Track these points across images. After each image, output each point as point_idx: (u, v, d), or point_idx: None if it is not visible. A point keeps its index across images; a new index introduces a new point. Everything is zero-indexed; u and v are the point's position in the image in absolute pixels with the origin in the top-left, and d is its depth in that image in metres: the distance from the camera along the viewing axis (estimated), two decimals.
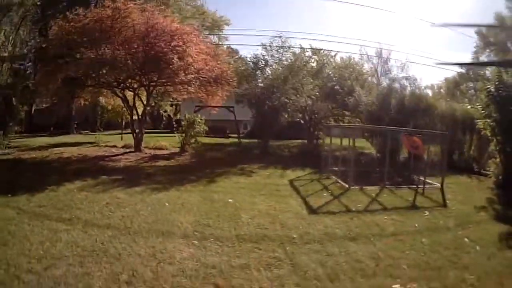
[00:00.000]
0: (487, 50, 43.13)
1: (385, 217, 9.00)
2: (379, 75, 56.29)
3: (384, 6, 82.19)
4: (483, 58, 44.55)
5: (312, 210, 9.40)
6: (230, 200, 9.82)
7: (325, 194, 11.35)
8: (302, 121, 25.72)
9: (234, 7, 71.99)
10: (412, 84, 24.03)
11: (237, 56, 32.85)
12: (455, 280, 5.75)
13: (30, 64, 30.03)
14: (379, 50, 55.75)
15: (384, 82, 49.57)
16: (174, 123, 24.16)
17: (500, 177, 14.13)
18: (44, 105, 34.11)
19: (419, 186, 12.80)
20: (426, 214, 9.65)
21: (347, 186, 12.41)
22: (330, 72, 26.45)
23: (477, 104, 15.85)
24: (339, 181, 13.34)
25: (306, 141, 27.40)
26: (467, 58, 44.42)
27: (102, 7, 17.06)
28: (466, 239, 7.67)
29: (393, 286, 5.45)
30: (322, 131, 20.77)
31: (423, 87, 36.85)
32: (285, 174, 15.12)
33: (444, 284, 5.61)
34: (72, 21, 16.85)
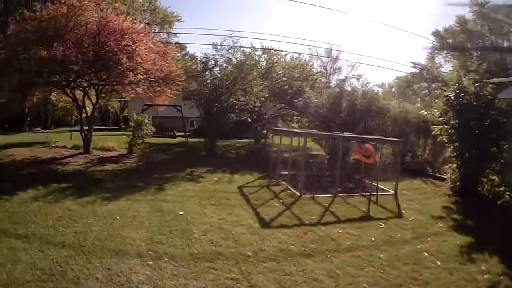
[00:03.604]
0: (444, 51, 44.14)
1: (340, 230, 9.12)
2: (328, 74, 57.08)
3: (336, 7, 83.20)
4: (440, 58, 45.41)
5: (264, 223, 9.48)
6: (180, 213, 9.89)
7: (276, 204, 11.45)
8: (249, 120, 25.80)
9: (184, 3, 71.65)
10: (363, 85, 23.91)
11: (185, 52, 32.62)
12: None
13: None
14: (329, 48, 56.41)
15: (334, 81, 50.35)
16: (121, 120, 23.98)
17: (458, 184, 14.36)
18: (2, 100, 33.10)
19: (373, 194, 12.90)
20: (381, 226, 9.76)
21: (298, 194, 12.52)
22: (280, 72, 26.62)
23: (435, 110, 15.98)
24: (290, 187, 13.49)
25: (253, 140, 27.64)
26: (422, 58, 45.12)
27: (58, 4, 16.58)
28: (425, 253, 7.82)
29: None
30: (269, 131, 20.68)
31: (373, 86, 37.25)
32: (234, 179, 15.26)
33: None
34: (29, 18, 16.44)
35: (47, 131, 30.54)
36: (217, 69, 22.96)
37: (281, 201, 11.86)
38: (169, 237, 8.03)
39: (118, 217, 9.21)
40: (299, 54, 31.23)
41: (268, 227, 9.19)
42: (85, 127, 19.66)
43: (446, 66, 46.23)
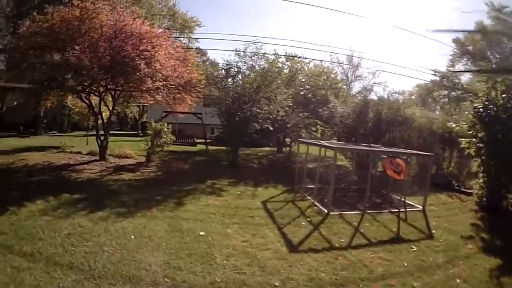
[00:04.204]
0: (464, 58, 43.63)
1: (372, 255, 8.58)
2: (349, 81, 56.82)
3: (356, 12, 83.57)
4: (460, 66, 44.98)
5: (292, 247, 8.73)
6: (201, 233, 9.09)
7: (303, 223, 10.73)
8: (271, 128, 25.25)
9: (204, 8, 71.98)
10: (389, 95, 23.64)
11: (205, 58, 32.23)
12: None
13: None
14: (350, 55, 56.25)
15: (355, 89, 50.15)
16: (139, 125, 23.55)
17: (484, 199, 14.12)
18: (15, 102, 32.82)
19: (401, 210, 12.44)
20: (413, 249, 9.32)
21: (325, 211, 11.87)
22: (303, 80, 26.11)
23: (464, 123, 15.74)
24: (316, 203, 12.83)
25: (275, 148, 27.03)
26: (442, 65, 45.18)
27: (71, 6, 16.09)
28: (457, 280, 7.54)
29: None
30: (293, 140, 20.19)
31: (397, 95, 37.15)
32: (257, 192, 14.52)
33: None
34: (39, 21, 15.85)
35: (63, 135, 30.39)
36: (240, 76, 22.03)
37: (308, 219, 11.14)
38: (188, 261, 7.28)
39: (133, 237, 8.44)
40: (321, 61, 30.96)
41: (296, 251, 8.46)
42: (101, 132, 19.14)
43: (467, 74, 46.08)
